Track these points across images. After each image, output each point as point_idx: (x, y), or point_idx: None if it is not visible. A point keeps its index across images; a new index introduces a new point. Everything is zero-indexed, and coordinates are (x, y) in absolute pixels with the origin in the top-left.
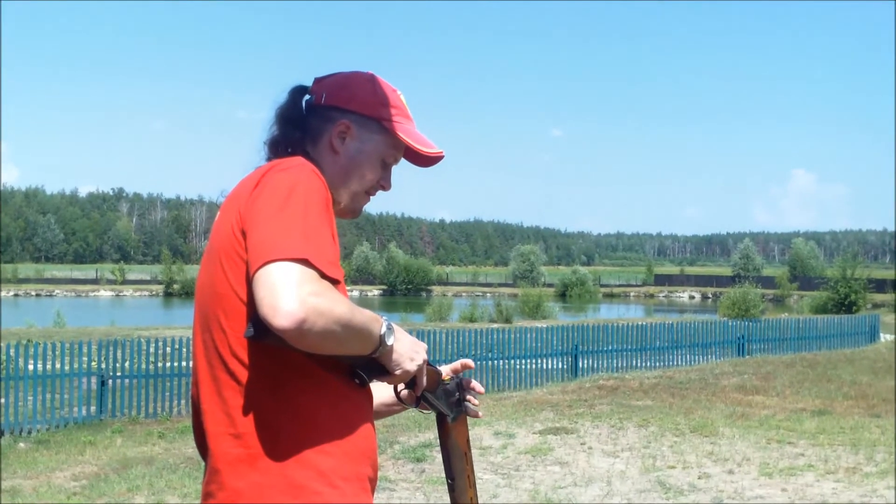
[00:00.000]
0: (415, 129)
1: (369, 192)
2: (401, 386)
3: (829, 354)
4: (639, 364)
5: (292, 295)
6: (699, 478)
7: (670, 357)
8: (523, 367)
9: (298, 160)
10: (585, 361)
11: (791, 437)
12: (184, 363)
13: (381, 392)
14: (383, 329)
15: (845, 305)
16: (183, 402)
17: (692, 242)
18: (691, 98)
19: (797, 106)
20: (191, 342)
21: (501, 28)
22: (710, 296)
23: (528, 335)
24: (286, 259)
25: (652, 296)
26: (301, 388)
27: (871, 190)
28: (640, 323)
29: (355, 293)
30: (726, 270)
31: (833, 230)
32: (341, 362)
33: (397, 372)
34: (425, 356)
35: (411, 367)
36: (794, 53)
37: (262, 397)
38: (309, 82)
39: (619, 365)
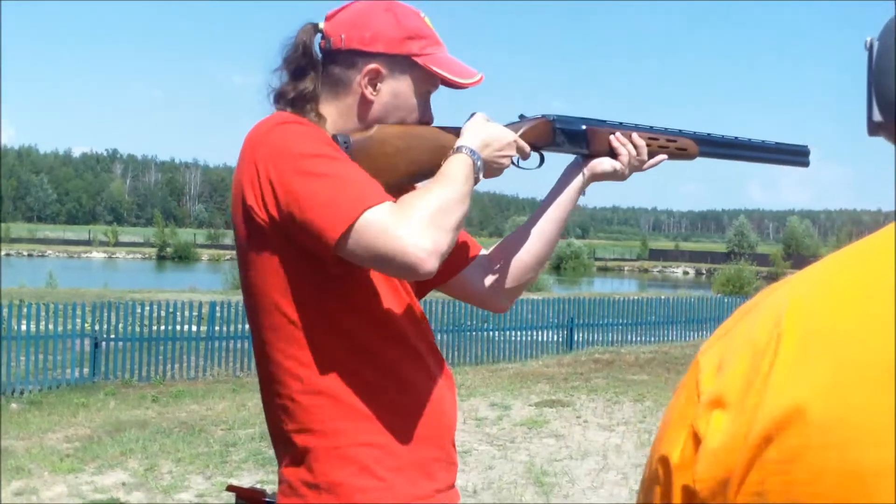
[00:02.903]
0: (447, 55)
1: None
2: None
3: None
4: (633, 339)
5: (405, 243)
6: None
7: (665, 332)
8: (518, 338)
9: (268, 122)
10: (580, 334)
11: None
12: (178, 327)
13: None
14: (477, 171)
15: None
16: (177, 366)
17: (687, 218)
18: (690, 75)
19: (796, 84)
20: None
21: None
22: (704, 272)
23: (524, 307)
24: (357, 217)
25: (646, 270)
26: (343, 372)
27: (866, 170)
28: (635, 297)
29: None
30: (721, 247)
31: (828, 209)
32: (400, 334)
33: (503, 171)
34: (511, 138)
35: (506, 162)
36: (793, 34)
37: (306, 388)
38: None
39: (614, 339)
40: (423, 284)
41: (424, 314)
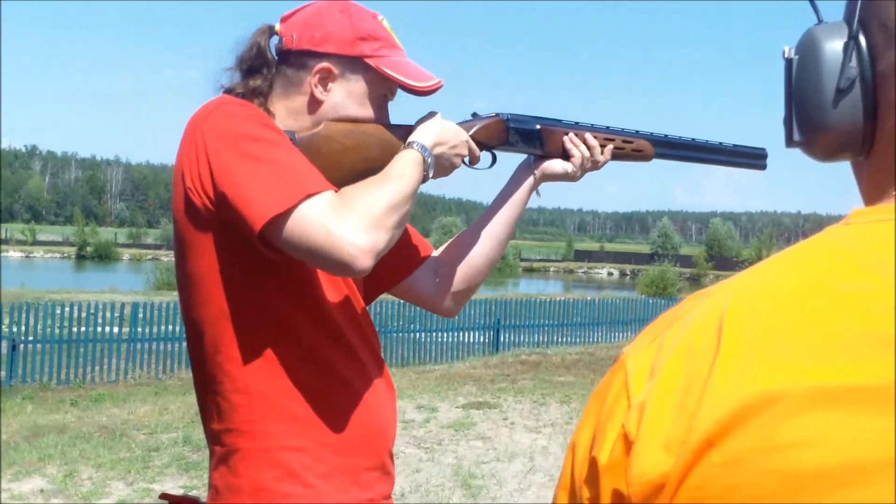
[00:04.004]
0: (404, 58)
1: None
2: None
3: None
4: (560, 340)
5: (341, 239)
6: None
7: (590, 333)
8: (445, 340)
9: (210, 104)
10: (507, 336)
11: None
12: (98, 329)
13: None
14: (427, 168)
15: None
16: (97, 368)
17: (612, 219)
18: (615, 73)
19: (719, 86)
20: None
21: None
22: (629, 273)
23: None
24: (288, 209)
25: (571, 271)
26: (275, 371)
27: (785, 173)
28: (560, 298)
29: None
30: (645, 248)
31: (749, 211)
32: (338, 333)
33: (454, 171)
34: (464, 137)
35: (458, 162)
36: (719, 34)
37: (236, 387)
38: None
39: (541, 340)
40: (372, 287)
41: (370, 320)
